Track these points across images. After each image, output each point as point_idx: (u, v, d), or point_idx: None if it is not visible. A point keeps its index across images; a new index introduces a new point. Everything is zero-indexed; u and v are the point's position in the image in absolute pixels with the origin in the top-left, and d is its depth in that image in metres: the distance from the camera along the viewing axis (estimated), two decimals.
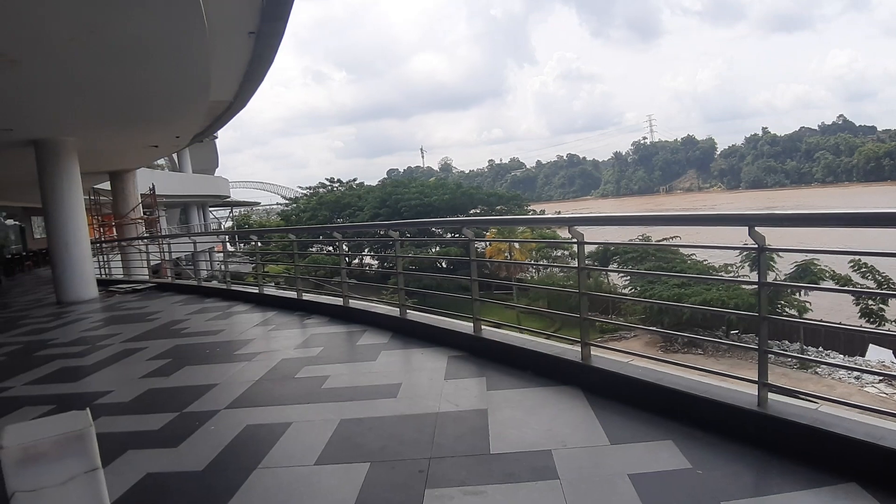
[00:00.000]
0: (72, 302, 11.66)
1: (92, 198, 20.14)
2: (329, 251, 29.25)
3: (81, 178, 12.39)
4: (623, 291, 27.61)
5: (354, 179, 60.03)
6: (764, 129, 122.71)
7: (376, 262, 36.43)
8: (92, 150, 12.86)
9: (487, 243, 34.08)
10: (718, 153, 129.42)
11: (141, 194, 19.51)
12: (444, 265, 35.08)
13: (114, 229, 19.71)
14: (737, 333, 23.46)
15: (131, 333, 7.65)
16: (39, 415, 4.52)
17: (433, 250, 34.39)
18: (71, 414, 1.42)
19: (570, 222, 4.34)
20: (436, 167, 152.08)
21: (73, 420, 1.36)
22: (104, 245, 17.51)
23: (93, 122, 10.76)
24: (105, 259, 16.13)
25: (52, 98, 8.59)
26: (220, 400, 4.49)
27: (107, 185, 19.63)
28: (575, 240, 4.18)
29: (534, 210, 51.16)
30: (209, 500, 2.92)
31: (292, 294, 8.48)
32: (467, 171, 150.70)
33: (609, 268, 30.54)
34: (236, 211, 62.53)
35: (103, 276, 14.79)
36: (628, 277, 28.49)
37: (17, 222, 31.04)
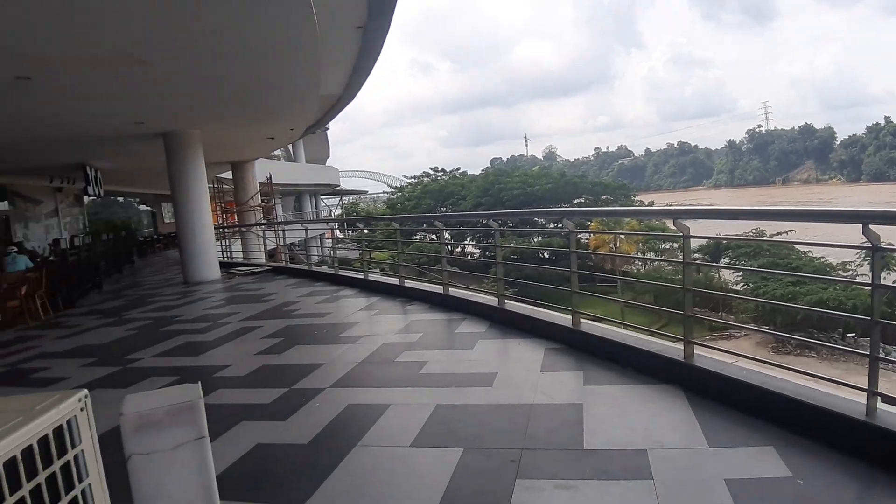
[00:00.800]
0: (197, 282, 12.64)
1: (215, 186, 21.62)
2: (432, 239, 29.76)
3: (206, 168, 13.35)
4: (735, 288, 26.12)
5: (458, 168, 60.43)
6: (886, 118, 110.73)
7: (478, 251, 36.60)
8: (215, 142, 13.78)
9: (590, 234, 33.30)
10: (838, 143, 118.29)
11: (259, 183, 20.74)
12: (545, 256, 34.68)
13: (235, 216, 21.10)
14: (853, 337, 21.55)
15: (248, 313, 8.19)
16: (163, 385, 4.97)
17: (535, 240, 34.06)
18: (184, 386, 1.57)
19: (675, 215, 4.17)
20: (539, 156, 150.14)
21: (185, 392, 1.50)
22: (226, 230, 18.80)
23: (215, 116, 11.52)
24: (227, 243, 17.32)
25: (177, 94, 9.28)
26: (325, 379, 4.73)
27: (229, 175, 21.04)
28: (680, 233, 4.02)
29: (641, 201, 49.20)
30: (312, 472, 3.09)
31: (395, 281, 8.73)
32: (572, 160, 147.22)
33: (715, 263, 28.99)
34: (345, 199, 64.92)
35: (225, 259, 15.88)
36: (740, 273, 26.88)
37: (149, 208, 34.06)
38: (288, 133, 15.55)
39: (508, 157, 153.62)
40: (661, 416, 3.46)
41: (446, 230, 8.28)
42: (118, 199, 30.75)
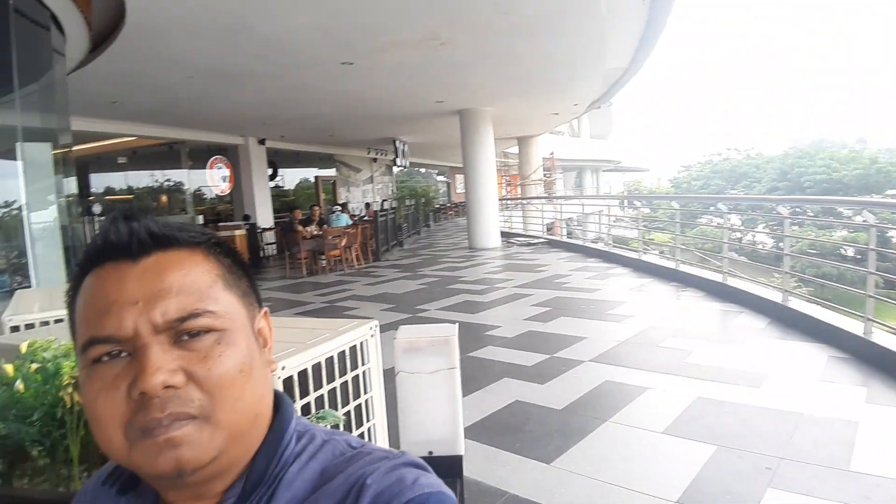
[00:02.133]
0: (480, 248, 13.70)
1: (502, 160, 22.94)
2: (719, 223, 27.40)
3: (494, 143, 14.30)
4: None
5: (752, 148, 54.30)
6: None
7: (771, 240, 32.67)
8: (503, 118, 14.63)
9: None
10: None
11: (542, 158, 21.43)
12: (846, 252, 29.47)
13: (517, 188, 22.17)
14: None
15: (521, 281, 8.67)
16: None
17: (835, 234, 29.12)
18: (444, 325, 1.83)
19: None
20: (850, 138, 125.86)
21: (445, 330, 1.76)
22: (508, 202, 19.90)
23: (505, 94, 12.19)
24: (508, 214, 18.36)
25: (473, 73, 10.04)
26: (586, 352, 4.83)
27: (514, 150, 22.12)
28: None
29: None
30: (563, 435, 3.25)
31: (671, 264, 8.38)
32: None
33: None
34: (628, 176, 63.18)
35: (505, 229, 16.88)
36: None
37: (445, 178, 37.58)
38: (572, 108, 15.74)
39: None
40: None
41: (731, 214, 7.64)
42: (420, 169, 34.52)
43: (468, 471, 2.85)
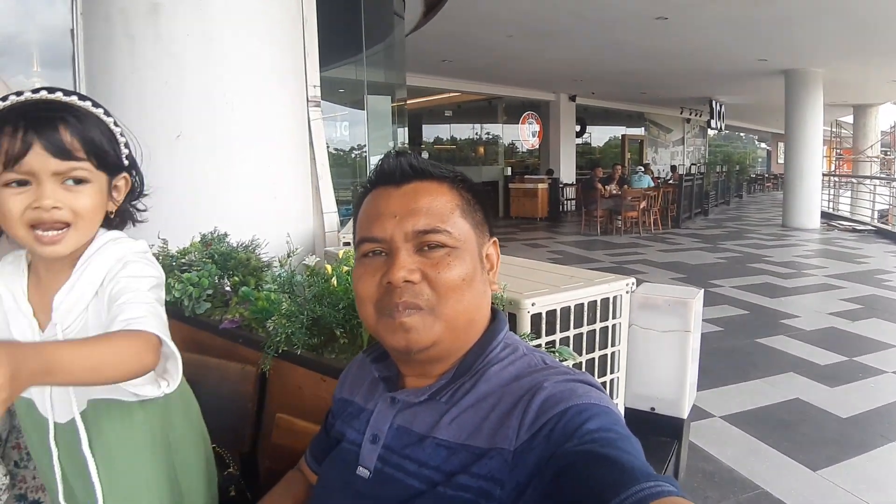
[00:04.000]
0: (794, 228, 12.19)
1: (833, 130, 19.68)
2: None
3: (823, 110, 12.48)
4: None
5: None
6: None
7: None
8: (836, 82, 12.61)
9: None
10: None
11: (882, 132, 17.83)
12: None
13: (849, 164, 18.86)
14: None
15: (835, 270, 7.61)
16: (733, 314, 5.37)
17: None
18: (687, 288, 1.87)
19: None
20: None
21: (686, 293, 1.79)
22: (835, 178, 17.07)
23: (840, 53, 10.46)
24: (833, 193, 15.82)
25: (802, 28, 8.80)
26: (893, 362, 4.21)
27: (848, 118, 18.76)
28: None
29: None
30: (838, 445, 3.00)
31: None
32: None
33: None
34: None
35: (828, 210, 14.64)
36: None
37: (765, 146, 33.54)
38: None
39: None
40: None
41: None
42: (739, 133, 31.37)
43: (722, 453, 2.86)
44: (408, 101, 7.45)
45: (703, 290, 1.78)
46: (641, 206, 11.27)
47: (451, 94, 14.89)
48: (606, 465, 0.61)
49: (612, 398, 1.82)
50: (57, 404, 0.93)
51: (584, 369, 1.73)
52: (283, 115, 2.76)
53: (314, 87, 2.96)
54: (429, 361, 0.82)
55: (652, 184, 12.59)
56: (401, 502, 0.75)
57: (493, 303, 0.88)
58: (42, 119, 0.83)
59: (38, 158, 0.81)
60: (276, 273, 1.64)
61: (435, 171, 0.84)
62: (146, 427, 0.99)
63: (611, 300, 1.76)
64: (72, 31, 2.67)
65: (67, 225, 0.86)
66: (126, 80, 2.42)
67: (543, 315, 1.64)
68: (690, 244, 9.91)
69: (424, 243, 0.78)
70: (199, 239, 1.99)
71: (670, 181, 14.29)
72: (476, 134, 18.25)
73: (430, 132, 18.11)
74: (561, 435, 0.66)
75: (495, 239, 0.88)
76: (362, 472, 0.81)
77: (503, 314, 0.89)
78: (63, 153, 0.83)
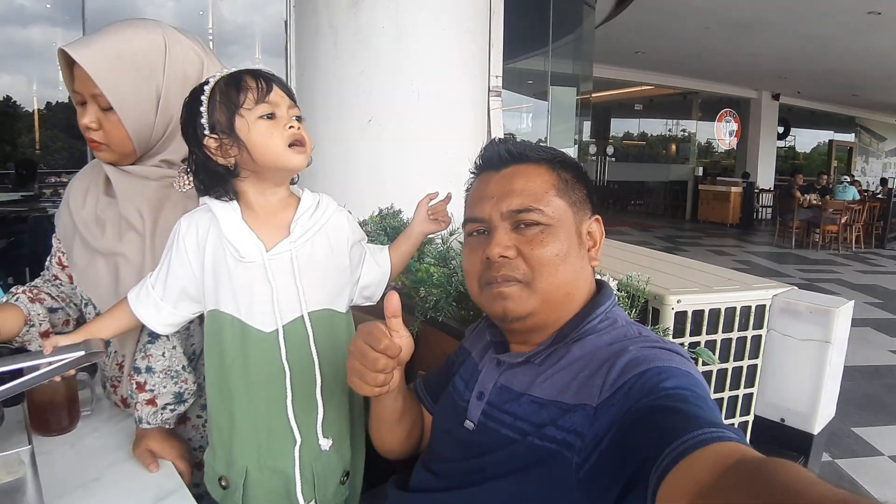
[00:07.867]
0: None
1: None
2: None
3: None
4: None
5: None
6: None
7: None
8: None
9: None
10: None
11: None
12: None
13: None
14: None
15: None
16: None
17: None
18: (836, 297, 1.71)
19: None
20: None
21: (832, 301, 1.63)
22: None
23: None
24: None
25: None
26: None
27: None
28: None
29: None
30: None
31: None
32: None
33: None
34: None
35: None
36: None
37: None
38: None
39: None
40: None
41: None
42: None
43: (880, 493, 2.62)
44: (596, 94, 7.34)
45: (853, 301, 1.62)
46: (843, 221, 10.00)
47: (644, 87, 14.31)
48: (675, 415, 0.65)
49: (741, 415, 1.77)
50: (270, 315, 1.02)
51: (722, 377, 1.70)
52: (464, 103, 2.88)
53: (496, 77, 3.08)
54: (528, 331, 0.90)
55: (858, 196, 11.06)
56: (497, 449, 0.84)
57: (630, 291, 0.93)
58: (269, 74, 1.01)
59: (277, 95, 0.99)
60: (437, 248, 1.82)
61: (532, 155, 0.91)
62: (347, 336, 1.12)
63: (766, 308, 1.68)
64: (285, 22, 3.04)
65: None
66: (328, 68, 2.70)
67: (689, 314, 1.61)
68: (894, 267, 8.70)
69: (520, 221, 0.86)
70: (378, 213, 2.22)
71: (878, 195, 12.34)
72: (668, 130, 17.38)
73: (618, 126, 17.57)
74: (639, 392, 0.71)
75: (598, 217, 0.93)
76: (468, 424, 0.91)
77: (609, 288, 0.94)
78: (291, 93, 1.02)
